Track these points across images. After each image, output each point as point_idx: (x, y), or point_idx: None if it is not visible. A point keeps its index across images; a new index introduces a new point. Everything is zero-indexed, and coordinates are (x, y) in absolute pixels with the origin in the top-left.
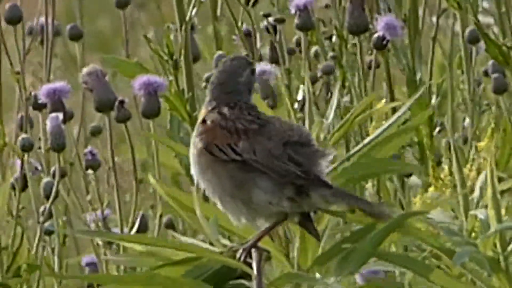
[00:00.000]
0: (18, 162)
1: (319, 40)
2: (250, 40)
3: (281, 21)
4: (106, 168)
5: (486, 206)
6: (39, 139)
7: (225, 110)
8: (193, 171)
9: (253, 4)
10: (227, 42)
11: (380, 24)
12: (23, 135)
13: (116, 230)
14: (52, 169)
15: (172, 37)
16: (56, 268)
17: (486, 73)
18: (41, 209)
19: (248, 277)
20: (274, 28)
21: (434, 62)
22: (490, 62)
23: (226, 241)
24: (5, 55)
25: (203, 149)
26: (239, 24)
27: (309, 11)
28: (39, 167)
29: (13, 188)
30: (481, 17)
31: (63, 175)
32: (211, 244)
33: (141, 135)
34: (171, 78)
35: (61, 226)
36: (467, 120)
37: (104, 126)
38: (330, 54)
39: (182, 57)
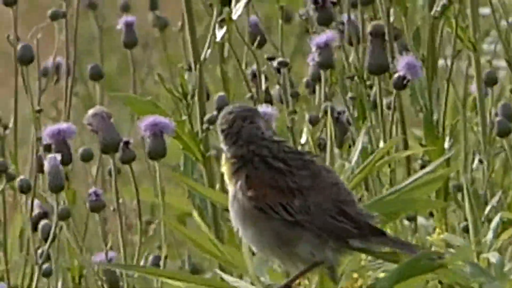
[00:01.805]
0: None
1: (338, 80)
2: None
3: (284, 64)
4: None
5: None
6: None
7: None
8: (234, 222)
9: (259, 46)
10: (237, 82)
11: (400, 64)
12: (21, 177)
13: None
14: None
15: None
16: None
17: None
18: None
19: None
20: (278, 70)
21: (448, 104)
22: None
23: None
24: (24, 93)
25: (249, 206)
26: (243, 66)
27: (331, 49)
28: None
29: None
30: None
31: (66, 216)
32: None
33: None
34: (184, 117)
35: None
36: (476, 161)
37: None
38: (350, 94)
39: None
